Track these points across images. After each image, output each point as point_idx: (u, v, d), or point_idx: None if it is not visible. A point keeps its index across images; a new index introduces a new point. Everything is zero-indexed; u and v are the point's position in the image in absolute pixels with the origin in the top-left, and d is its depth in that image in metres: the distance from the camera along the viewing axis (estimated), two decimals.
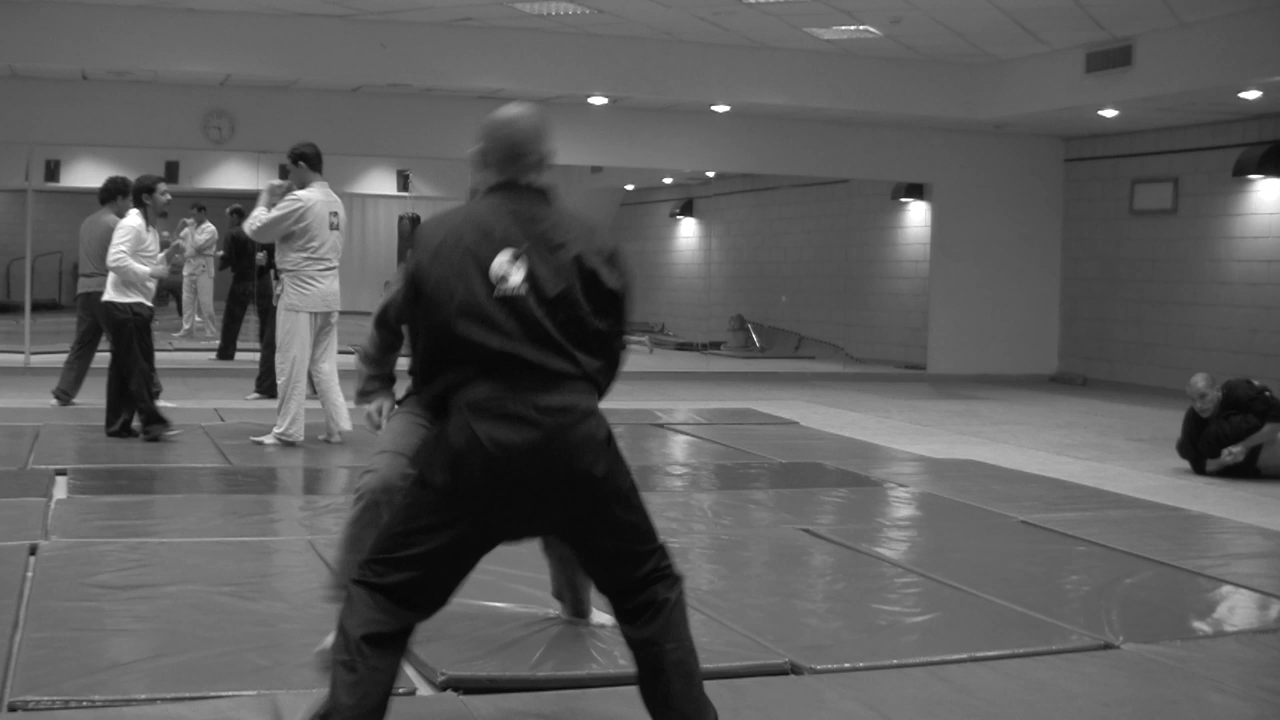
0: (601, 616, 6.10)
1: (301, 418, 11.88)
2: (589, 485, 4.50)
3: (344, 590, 5.31)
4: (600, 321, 4.61)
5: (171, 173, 18.99)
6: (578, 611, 6.22)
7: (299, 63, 17.91)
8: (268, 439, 11.85)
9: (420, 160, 22.37)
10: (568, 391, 4.50)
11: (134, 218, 11.77)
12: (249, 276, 19.72)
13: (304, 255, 11.65)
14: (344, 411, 12.03)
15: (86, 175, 20.21)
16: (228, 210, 22.30)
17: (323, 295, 11.77)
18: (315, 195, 11.70)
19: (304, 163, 11.78)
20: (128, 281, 11.64)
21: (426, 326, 4.56)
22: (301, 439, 11.89)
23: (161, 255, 11.90)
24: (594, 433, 4.53)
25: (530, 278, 4.49)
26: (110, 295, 11.78)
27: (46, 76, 18.31)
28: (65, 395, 14.03)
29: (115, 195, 13.38)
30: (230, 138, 18.98)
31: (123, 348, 11.83)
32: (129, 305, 11.71)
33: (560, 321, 4.51)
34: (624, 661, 5.67)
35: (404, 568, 4.47)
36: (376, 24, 17.65)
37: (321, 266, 11.72)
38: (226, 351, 20.28)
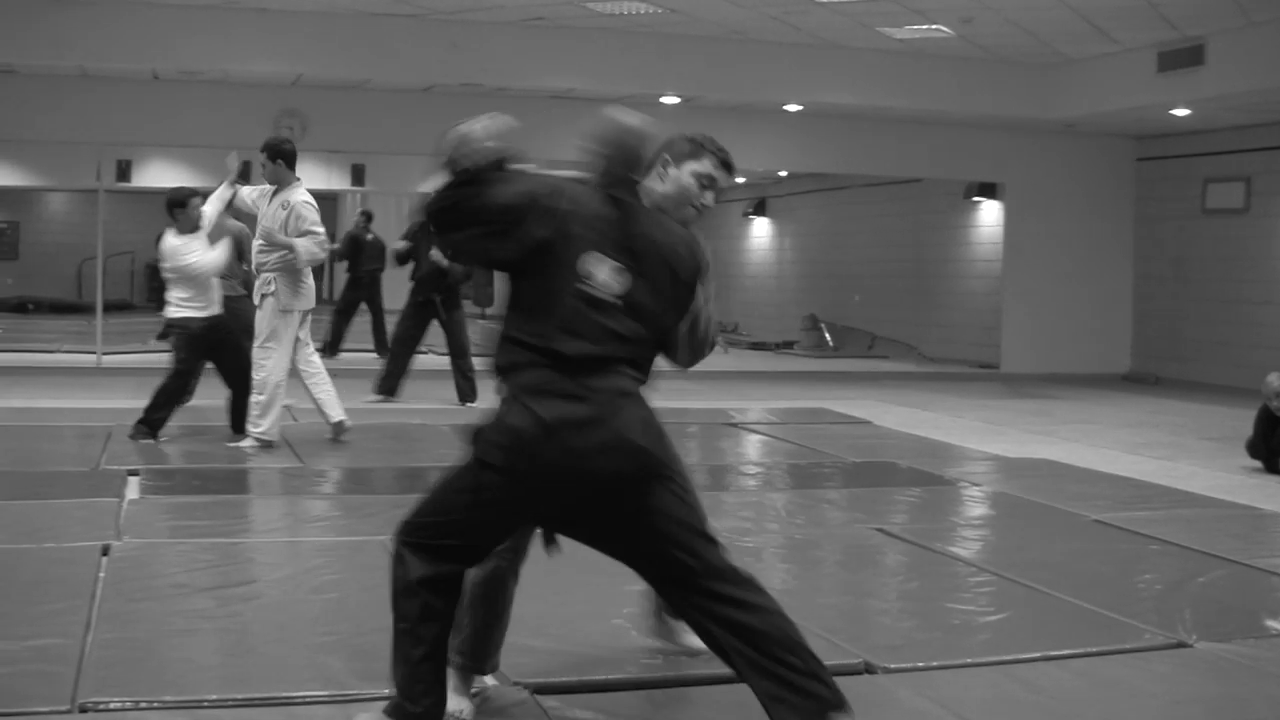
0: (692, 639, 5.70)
1: (280, 419, 11.84)
2: (640, 460, 4.63)
3: (461, 656, 5.30)
4: (675, 316, 4.84)
5: (244, 173, 19.10)
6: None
7: (370, 62, 18.03)
8: (245, 442, 11.70)
9: None
10: (616, 376, 4.63)
11: (169, 237, 11.94)
12: (364, 278, 20.16)
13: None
14: (336, 401, 12.09)
15: (157, 175, 20.34)
16: (359, 212, 22.59)
17: (311, 293, 11.84)
18: (306, 193, 11.75)
19: (282, 160, 11.81)
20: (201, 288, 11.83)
21: (529, 284, 4.69)
22: (278, 439, 11.79)
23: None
24: (641, 412, 4.67)
25: (628, 290, 4.65)
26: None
27: (117, 77, 18.50)
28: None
29: None
30: (302, 137, 18.98)
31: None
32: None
33: (638, 328, 4.69)
34: (699, 661, 5.75)
35: (455, 535, 4.70)
36: (448, 24, 17.76)
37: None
38: (333, 349, 20.52)
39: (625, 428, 4.59)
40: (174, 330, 11.98)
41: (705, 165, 5.13)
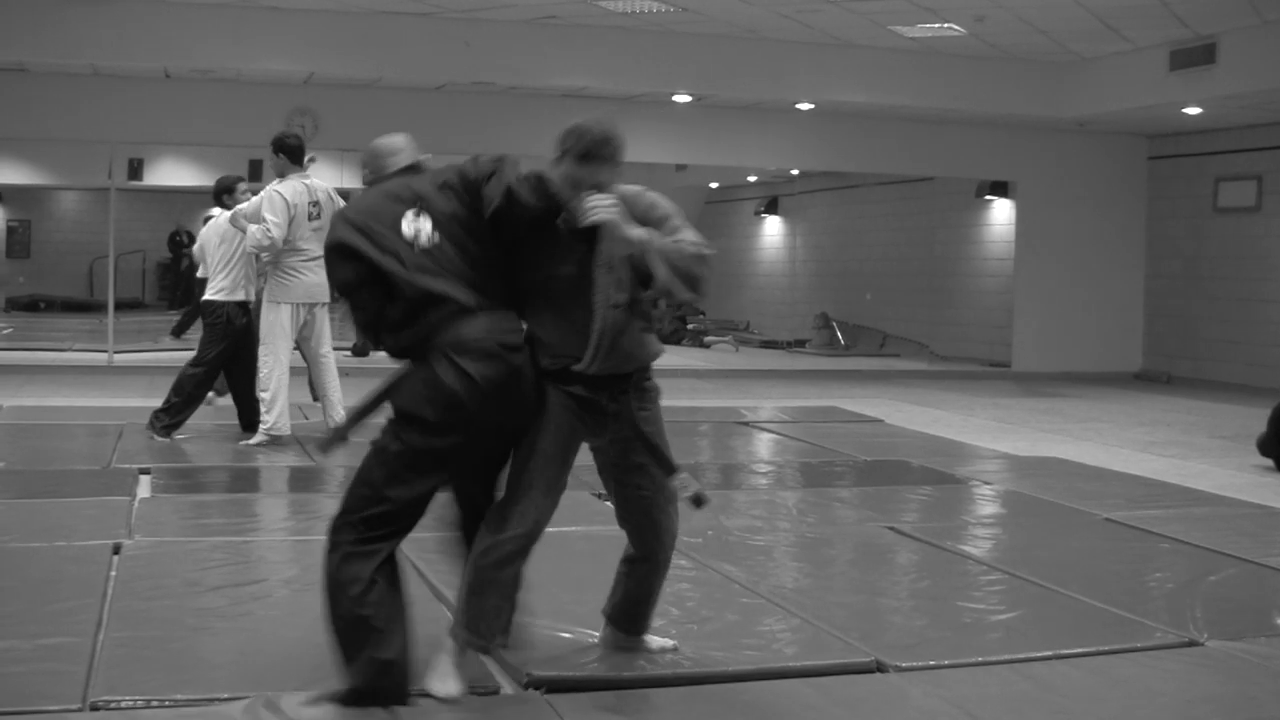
0: (662, 641, 5.91)
1: (287, 412, 11.82)
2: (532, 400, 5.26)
3: (469, 632, 5.30)
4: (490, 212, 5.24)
5: (255, 171, 19.07)
6: (634, 629, 5.86)
7: (382, 61, 18.03)
8: (254, 439, 11.76)
9: None
10: (500, 319, 5.18)
11: (221, 214, 12.18)
12: None
13: (284, 247, 11.53)
14: (339, 403, 11.88)
15: (169, 174, 20.41)
16: None
17: (306, 287, 11.66)
18: (293, 186, 11.65)
19: (284, 155, 11.69)
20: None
21: (383, 287, 5.21)
22: (289, 433, 11.83)
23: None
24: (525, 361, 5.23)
25: (437, 223, 5.21)
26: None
27: (129, 75, 18.50)
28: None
29: None
30: (314, 136, 18.95)
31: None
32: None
33: (475, 254, 5.23)
34: (710, 659, 5.76)
35: (404, 516, 5.23)
36: (460, 22, 17.76)
37: (303, 257, 11.56)
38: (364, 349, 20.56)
39: (526, 386, 5.20)
40: (213, 314, 12.03)
41: (566, 166, 5.16)
